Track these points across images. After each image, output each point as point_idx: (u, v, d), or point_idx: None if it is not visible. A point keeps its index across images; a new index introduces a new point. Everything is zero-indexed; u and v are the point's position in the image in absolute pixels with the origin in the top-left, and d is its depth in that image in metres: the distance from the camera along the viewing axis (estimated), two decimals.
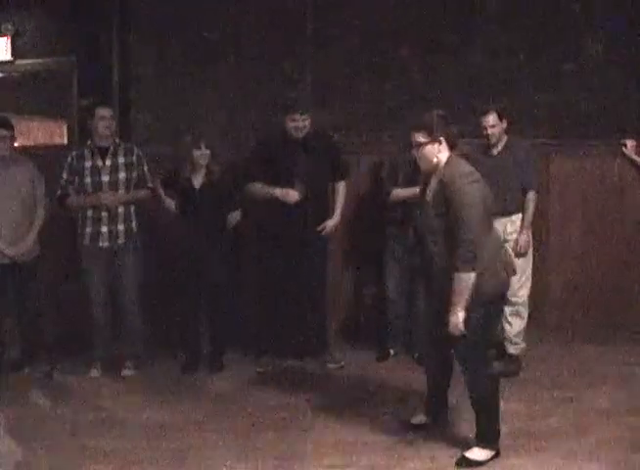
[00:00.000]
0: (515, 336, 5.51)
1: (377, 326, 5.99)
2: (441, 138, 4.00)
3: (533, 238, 5.56)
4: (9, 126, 5.50)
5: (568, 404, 4.84)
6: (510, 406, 4.80)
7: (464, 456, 4.06)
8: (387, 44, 6.34)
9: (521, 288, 5.47)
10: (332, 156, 5.65)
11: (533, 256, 5.58)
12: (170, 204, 5.61)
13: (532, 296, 5.60)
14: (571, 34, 6.25)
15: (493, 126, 5.42)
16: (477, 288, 3.86)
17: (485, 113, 5.44)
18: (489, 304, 3.97)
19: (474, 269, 3.83)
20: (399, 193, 5.56)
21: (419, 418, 4.50)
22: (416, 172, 5.53)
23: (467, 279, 3.83)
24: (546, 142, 6.12)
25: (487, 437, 4.08)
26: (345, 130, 6.23)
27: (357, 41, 6.37)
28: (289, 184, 5.47)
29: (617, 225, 6.25)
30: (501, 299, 4.17)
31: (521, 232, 5.46)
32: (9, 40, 6.77)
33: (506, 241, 5.43)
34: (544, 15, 6.26)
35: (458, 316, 3.86)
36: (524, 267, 5.47)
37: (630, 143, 6.08)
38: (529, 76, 6.25)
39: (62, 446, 4.35)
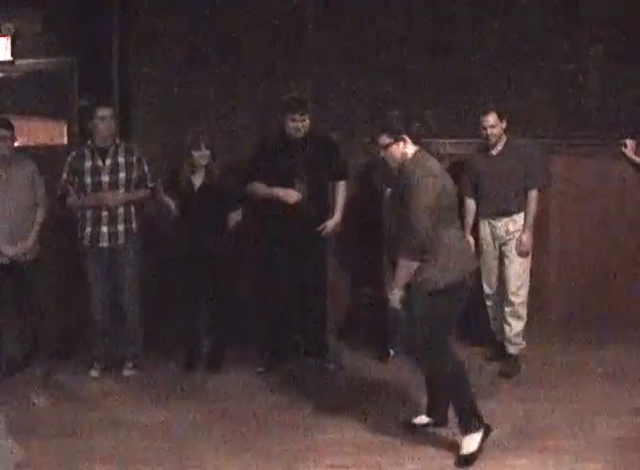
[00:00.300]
0: (514, 336, 5.51)
1: (376, 326, 5.98)
2: (404, 137, 4.16)
3: (534, 238, 5.56)
4: (9, 127, 5.50)
5: (567, 404, 4.84)
6: (510, 406, 4.81)
7: (459, 455, 4.10)
8: (387, 44, 6.34)
9: (520, 288, 5.48)
10: (331, 156, 5.64)
11: (533, 255, 5.57)
12: (170, 205, 5.61)
13: (532, 295, 5.61)
14: (571, 34, 6.25)
15: (493, 126, 5.42)
16: (434, 278, 4.07)
17: (486, 113, 5.44)
18: (447, 294, 4.09)
19: (415, 260, 4.05)
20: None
21: (420, 418, 4.50)
22: None
23: (407, 266, 4.08)
24: (546, 142, 6.12)
25: (468, 422, 4.13)
26: (345, 130, 6.22)
27: (357, 41, 6.36)
28: (289, 184, 5.47)
29: (617, 225, 6.25)
30: (462, 290, 4.20)
31: (523, 231, 5.46)
32: (9, 40, 6.76)
33: (509, 240, 5.48)
34: (544, 15, 6.26)
35: (394, 294, 4.15)
36: (524, 267, 5.49)
37: (630, 143, 6.08)
38: (529, 76, 6.25)
39: (62, 447, 4.35)
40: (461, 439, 4.14)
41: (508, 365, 5.46)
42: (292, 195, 5.46)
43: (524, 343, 5.55)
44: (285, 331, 5.78)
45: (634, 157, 6.08)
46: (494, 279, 5.62)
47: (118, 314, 5.60)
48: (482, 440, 4.12)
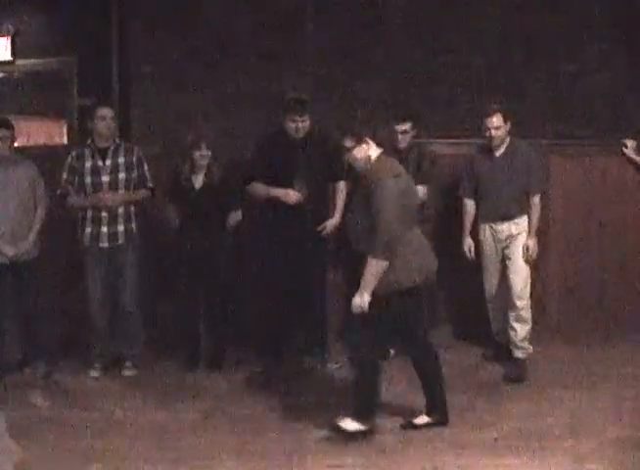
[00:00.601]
0: (520, 341, 5.44)
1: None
2: (367, 139, 4.30)
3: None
4: (9, 126, 5.50)
5: (568, 404, 4.84)
6: (510, 406, 4.81)
7: (336, 423, 4.31)
8: (387, 44, 6.34)
9: (523, 290, 5.42)
10: (331, 156, 5.64)
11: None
12: (172, 216, 5.60)
13: (532, 296, 5.61)
14: (571, 34, 6.25)
15: (497, 128, 5.33)
16: (391, 279, 4.16)
17: (489, 114, 5.33)
18: (403, 295, 4.22)
19: (387, 259, 4.12)
20: None
21: (421, 418, 4.51)
22: (405, 169, 5.58)
23: (377, 266, 4.13)
24: (546, 142, 6.12)
25: (362, 413, 4.32)
26: (345, 130, 6.21)
27: (357, 41, 6.36)
28: (289, 184, 5.47)
29: (617, 225, 6.25)
30: (418, 293, 4.32)
31: (529, 237, 5.39)
32: (9, 40, 6.77)
33: (511, 243, 5.41)
34: (544, 15, 6.26)
35: (363, 299, 4.17)
36: (526, 269, 5.44)
37: (630, 143, 6.07)
38: (529, 77, 6.25)
39: (62, 447, 4.35)
40: (347, 418, 4.29)
41: (515, 370, 5.37)
42: (291, 195, 5.45)
43: (530, 347, 5.48)
44: (285, 331, 5.77)
45: (634, 156, 6.07)
46: (495, 282, 5.56)
47: (118, 314, 5.60)
48: (358, 433, 4.29)
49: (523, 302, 5.42)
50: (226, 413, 4.83)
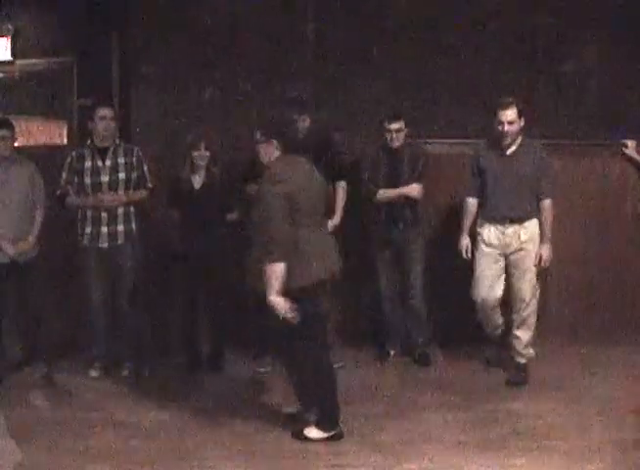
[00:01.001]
0: (524, 348, 5.32)
1: (376, 326, 5.98)
2: (273, 140, 4.36)
3: None
4: (9, 127, 5.50)
5: (568, 404, 4.84)
6: (510, 406, 4.80)
7: (301, 430, 4.36)
8: (387, 44, 6.34)
9: (532, 298, 5.25)
10: (331, 155, 5.64)
11: None
12: (171, 213, 5.61)
13: None
14: (571, 34, 6.25)
15: (511, 123, 4.98)
16: (291, 278, 4.16)
17: (504, 106, 4.96)
18: (303, 294, 4.22)
19: (276, 260, 4.11)
20: (386, 193, 5.58)
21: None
22: (396, 171, 5.58)
23: (274, 267, 4.13)
24: (546, 142, 6.11)
25: (325, 420, 4.34)
26: (345, 130, 6.22)
27: (357, 41, 6.36)
28: None
29: (617, 225, 6.24)
30: (318, 293, 4.34)
31: (543, 244, 5.14)
32: (9, 40, 6.76)
33: (520, 250, 5.19)
34: (544, 15, 6.26)
35: (274, 301, 4.15)
36: (535, 277, 5.26)
37: (631, 143, 6.06)
38: (529, 76, 6.25)
39: (62, 447, 4.35)
40: (311, 425, 4.35)
41: (517, 374, 5.27)
42: None
43: (532, 352, 5.36)
44: None
45: (635, 156, 6.04)
46: (490, 285, 5.24)
47: (118, 314, 5.60)
48: (326, 438, 4.32)
49: (530, 308, 5.24)
50: (226, 413, 4.83)
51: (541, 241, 5.15)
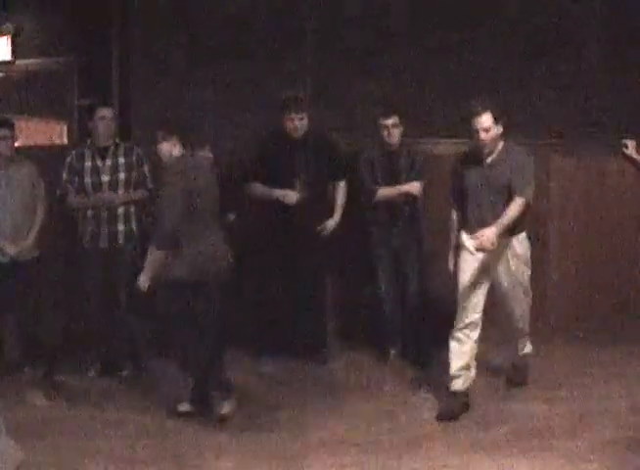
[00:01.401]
0: (521, 358, 5.11)
1: (376, 326, 5.97)
2: (174, 137, 4.62)
3: (534, 237, 5.52)
4: (10, 126, 5.50)
5: (568, 404, 4.84)
6: (510, 406, 4.80)
7: (176, 407, 4.74)
8: (387, 44, 6.34)
9: (525, 311, 4.92)
10: (331, 155, 5.64)
11: (533, 254, 5.52)
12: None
13: (532, 296, 5.58)
14: (571, 35, 6.25)
15: (487, 130, 4.55)
16: (171, 269, 4.50)
17: (477, 113, 4.56)
18: (182, 287, 4.53)
19: (161, 248, 4.48)
20: (385, 192, 5.57)
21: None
22: (394, 169, 5.58)
23: (154, 254, 4.51)
24: (546, 142, 6.12)
25: (195, 399, 4.73)
26: (345, 130, 6.22)
27: (357, 41, 6.36)
28: (288, 184, 5.47)
29: (617, 225, 6.24)
30: (198, 287, 4.59)
31: (491, 227, 4.47)
32: (9, 40, 6.76)
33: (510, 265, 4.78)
34: (544, 15, 6.26)
35: (141, 279, 4.55)
36: (529, 295, 4.92)
37: (631, 143, 6.04)
38: (529, 76, 6.25)
39: (62, 446, 4.35)
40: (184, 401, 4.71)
41: (516, 374, 5.18)
42: (290, 196, 5.46)
43: (530, 349, 5.16)
44: (285, 331, 5.77)
45: (636, 156, 6.01)
46: (477, 302, 4.74)
47: (118, 314, 5.59)
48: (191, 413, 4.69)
49: (523, 320, 4.98)
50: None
51: (494, 224, 4.50)
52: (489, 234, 4.43)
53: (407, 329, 5.82)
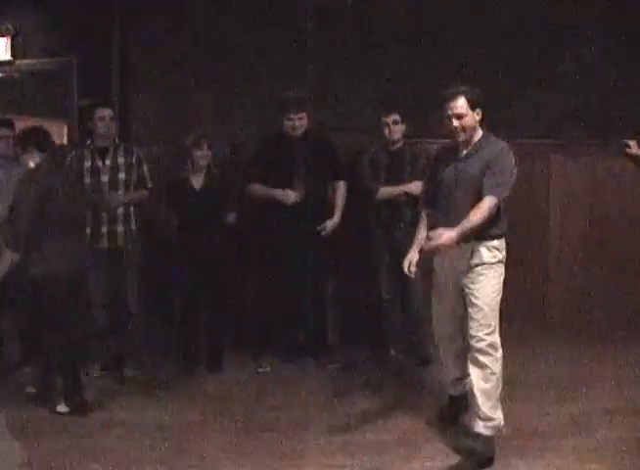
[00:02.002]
0: (487, 408, 4.11)
1: (376, 326, 5.97)
2: (34, 148, 4.78)
3: (534, 238, 5.52)
4: (11, 126, 5.49)
5: (568, 404, 4.85)
6: (510, 406, 4.80)
7: (53, 407, 4.81)
8: (386, 44, 6.34)
9: (491, 335, 4.09)
10: (331, 155, 5.65)
11: (533, 254, 5.51)
12: (172, 218, 5.61)
13: (532, 295, 5.59)
14: (571, 34, 6.25)
15: (460, 116, 4.03)
16: (35, 271, 4.66)
17: (450, 97, 4.04)
18: (36, 287, 4.73)
19: (14, 250, 4.61)
20: (386, 191, 5.56)
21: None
22: (397, 168, 5.56)
23: (6, 256, 4.64)
24: (546, 142, 6.12)
25: (68, 399, 4.83)
26: (345, 130, 6.22)
27: (357, 41, 6.36)
28: (288, 184, 5.48)
29: (617, 225, 6.25)
30: (57, 289, 4.71)
31: (452, 229, 3.89)
32: (9, 40, 6.76)
33: (473, 274, 4.11)
34: (544, 14, 6.26)
35: None
36: (494, 309, 4.12)
37: (633, 143, 6.01)
38: (529, 76, 6.25)
39: (62, 447, 4.35)
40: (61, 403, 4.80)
41: (478, 447, 4.12)
42: (289, 196, 5.46)
43: (500, 419, 4.18)
44: (285, 331, 5.78)
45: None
46: (449, 318, 4.32)
47: (118, 315, 5.60)
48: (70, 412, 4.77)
49: (478, 343, 4.06)
50: (226, 413, 4.83)
51: (455, 227, 3.94)
52: (446, 236, 3.88)
53: (408, 330, 5.82)
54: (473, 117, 4.09)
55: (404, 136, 5.62)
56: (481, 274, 4.11)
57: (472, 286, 4.13)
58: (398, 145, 5.60)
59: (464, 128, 4.08)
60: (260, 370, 5.61)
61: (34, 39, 6.75)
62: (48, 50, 6.72)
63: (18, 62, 6.81)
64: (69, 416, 4.80)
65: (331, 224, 5.62)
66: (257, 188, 5.57)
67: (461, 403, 4.50)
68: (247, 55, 6.42)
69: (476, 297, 4.10)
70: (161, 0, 6.57)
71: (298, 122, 5.45)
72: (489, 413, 4.08)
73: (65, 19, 6.62)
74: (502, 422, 4.14)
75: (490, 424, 4.10)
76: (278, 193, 5.48)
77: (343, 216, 5.67)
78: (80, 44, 6.57)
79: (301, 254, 5.55)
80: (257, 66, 6.40)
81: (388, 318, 5.82)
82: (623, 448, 4.20)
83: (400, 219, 5.62)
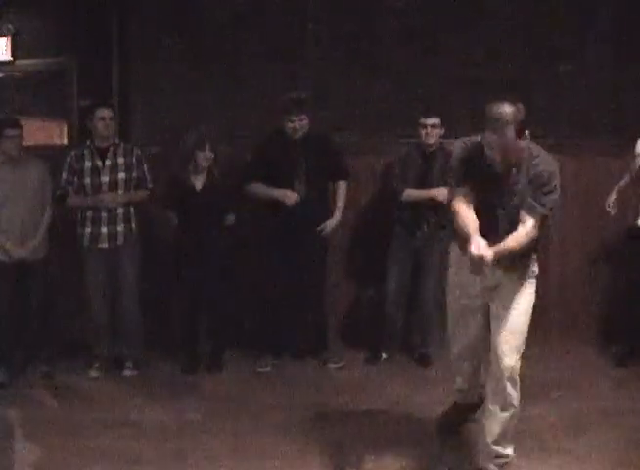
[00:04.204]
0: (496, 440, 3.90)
1: (373, 328, 5.95)
2: None
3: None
4: (17, 126, 5.46)
5: (568, 404, 4.84)
6: None
7: None
8: (387, 44, 6.34)
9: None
10: (331, 156, 5.64)
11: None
12: (172, 219, 5.61)
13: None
14: (571, 34, 6.25)
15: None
16: None
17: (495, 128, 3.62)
18: None
19: None
20: (412, 193, 5.54)
21: None
22: (427, 172, 5.54)
23: None
24: (546, 142, 6.10)
25: None
26: (345, 130, 6.22)
27: (357, 41, 6.36)
28: (289, 185, 5.48)
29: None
30: None
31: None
32: (9, 40, 6.76)
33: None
34: (544, 14, 6.26)
35: None
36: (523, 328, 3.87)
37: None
38: (529, 76, 6.24)
39: (62, 446, 4.35)
40: None
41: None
42: (289, 196, 5.46)
43: (510, 451, 3.98)
44: (285, 331, 5.78)
45: None
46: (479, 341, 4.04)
47: (118, 315, 5.60)
48: None
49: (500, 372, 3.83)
50: (226, 413, 4.83)
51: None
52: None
53: (412, 329, 5.81)
54: (518, 145, 3.67)
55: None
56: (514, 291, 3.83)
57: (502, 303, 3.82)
58: (432, 149, 5.56)
59: (512, 161, 3.72)
60: (260, 370, 5.61)
61: (34, 39, 6.75)
62: (48, 50, 6.72)
63: (18, 62, 6.81)
64: (69, 416, 4.81)
65: (331, 224, 5.62)
66: (257, 188, 5.57)
67: (467, 413, 4.35)
68: (247, 55, 6.42)
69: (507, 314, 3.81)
70: (162, 1, 6.57)
71: (299, 124, 5.45)
72: (501, 450, 3.89)
73: (65, 19, 6.63)
74: (512, 456, 3.93)
75: (501, 461, 3.91)
76: (278, 193, 5.47)
77: (351, 216, 5.64)
78: (80, 44, 6.57)
79: (301, 254, 5.54)
80: (258, 66, 6.40)
81: (389, 320, 5.80)
82: (623, 448, 4.20)
83: (422, 222, 5.57)
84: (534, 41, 6.25)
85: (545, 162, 3.84)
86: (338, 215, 5.64)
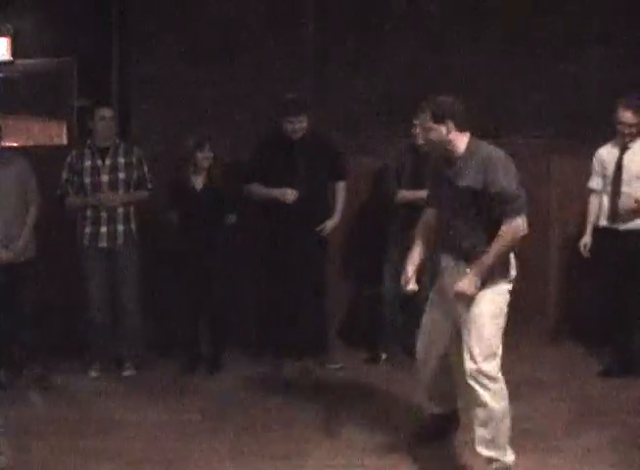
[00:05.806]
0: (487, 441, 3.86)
1: (372, 328, 5.95)
2: None
3: (534, 239, 5.47)
4: None
5: (567, 405, 4.84)
6: (510, 406, 4.79)
7: None
8: (387, 44, 6.34)
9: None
10: (331, 156, 5.65)
11: (533, 254, 5.48)
12: (171, 214, 5.61)
13: (532, 295, 5.57)
14: (571, 34, 6.25)
15: (425, 130, 3.88)
16: None
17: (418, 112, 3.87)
18: None
19: None
20: (405, 195, 5.54)
21: None
22: (421, 174, 5.53)
23: None
24: (546, 142, 6.11)
25: None
26: (345, 130, 6.22)
27: (357, 41, 6.36)
28: (288, 185, 5.47)
29: None
30: None
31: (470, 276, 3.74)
32: (9, 40, 6.76)
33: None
34: (544, 14, 6.26)
35: None
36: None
37: None
38: (529, 76, 6.25)
39: (62, 446, 4.35)
40: None
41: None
42: (289, 194, 5.46)
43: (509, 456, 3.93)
44: (285, 331, 5.77)
45: None
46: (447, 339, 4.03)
47: (118, 314, 5.60)
48: None
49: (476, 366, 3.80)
50: (226, 413, 4.83)
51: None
52: (470, 290, 3.76)
53: (409, 330, 5.81)
54: (439, 131, 3.74)
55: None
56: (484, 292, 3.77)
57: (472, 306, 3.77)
58: (425, 149, 5.54)
59: (432, 143, 3.81)
60: (260, 370, 5.61)
61: (34, 39, 6.75)
62: (48, 50, 6.72)
63: (18, 62, 6.81)
64: (69, 416, 4.81)
65: (330, 225, 5.62)
66: (257, 188, 5.57)
67: (444, 422, 4.25)
68: (247, 55, 6.42)
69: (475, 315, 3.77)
70: (162, 1, 6.57)
71: (298, 125, 5.45)
72: (495, 455, 3.81)
73: (64, 19, 6.63)
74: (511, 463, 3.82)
75: (494, 466, 3.81)
76: (277, 192, 5.47)
77: (350, 217, 5.64)
78: (80, 44, 6.57)
79: (301, 254, 5.54)
80: (258, 66, 6.40)
81: (386, 321, 5.79)
82: (622, 449, 4.20)
83: (417, 223, 5.55)
84: (535, 41, 6.25)
85: (486, 151, 3.78)
86: (337, 216, 5.64)
